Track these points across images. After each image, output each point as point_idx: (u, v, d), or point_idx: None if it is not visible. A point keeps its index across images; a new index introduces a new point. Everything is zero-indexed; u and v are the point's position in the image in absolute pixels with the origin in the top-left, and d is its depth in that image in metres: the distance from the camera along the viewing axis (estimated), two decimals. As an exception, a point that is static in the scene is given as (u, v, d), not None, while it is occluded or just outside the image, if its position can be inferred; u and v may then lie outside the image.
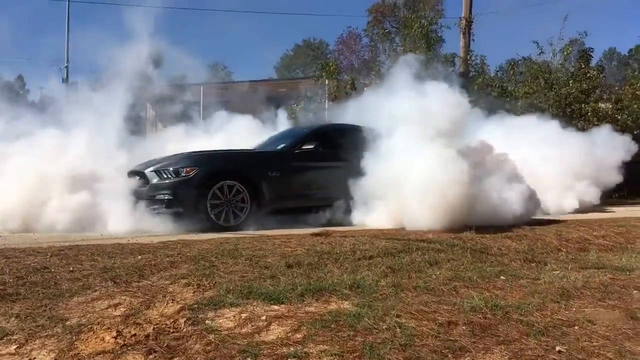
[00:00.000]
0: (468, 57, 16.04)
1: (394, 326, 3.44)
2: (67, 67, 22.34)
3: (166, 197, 7.32)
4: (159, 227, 7.13)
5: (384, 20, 18.75)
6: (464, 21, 16.58)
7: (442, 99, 7.54)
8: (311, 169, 8.21)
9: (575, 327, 3.60)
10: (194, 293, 3.98)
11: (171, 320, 3.46)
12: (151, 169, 7.62)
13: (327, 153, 8.40)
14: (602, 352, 3.22)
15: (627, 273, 5.10)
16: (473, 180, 6.96)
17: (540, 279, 4.77)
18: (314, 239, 5.90)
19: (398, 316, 3.63)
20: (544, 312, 3.86)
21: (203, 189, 7.31)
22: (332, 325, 3.45)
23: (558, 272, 5.07)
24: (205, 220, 7.26)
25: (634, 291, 4.46)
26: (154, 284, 4.13)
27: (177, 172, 7.41)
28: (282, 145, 8.57)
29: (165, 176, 7.45)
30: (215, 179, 7.43)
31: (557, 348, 3.24)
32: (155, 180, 7.50)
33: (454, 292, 4.29)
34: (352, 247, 5.49)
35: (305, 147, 8.31)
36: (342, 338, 3.28)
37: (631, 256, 6.01)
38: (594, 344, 3.35)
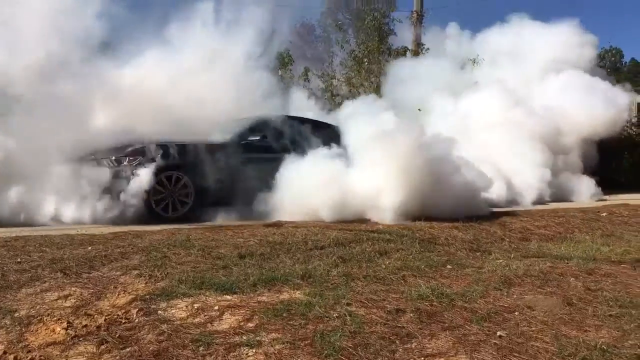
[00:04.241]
0: (419, 50, 16.30)
1: (344, 314, 3.54)
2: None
3: (108, 187, 7.15)
4: (103, 217, 6.97)
5: (337, 12, 18.76)
6: (415, 14, 16.84)
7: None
8: (256, 161, 7.93)
9: (516, 313, 3.79)
10: (145, 284, 3.98)
11: (123, 311, 3.46)
12: (94, 157, 7.42)
13: (273, 145, 8.14)
14: (540, 336, 3.41)
15: (566, 262, 5.37)
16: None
17: (484, 268, 4.97)
18: (266, 230, 5.96)
19: (348, 304, 3.73)
20: (487, 299, 4.04)
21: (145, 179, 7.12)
22: (284, 314, 3.52)
23: (501, 260, 5.29)
24: (146, 210, 7.10)
25: (571, 279, 4.71)
26: (105, 275, 4.11)
27: (119, 162, 7.26)
28: (229, 136, 8.27)
29: (108, 165, 7.28)
30: (157, 169, 7.24)
31: (498, 333, 3.42)
32: (98, 168, 7.31)
33: (402, 281, 4.43)
34: (304, 237, 5.58)
35: (251, 138, 8.12)
36: (293, 326, 3.36)
37: (570, 245, 6.33)
38: (533, 329, 3.53)
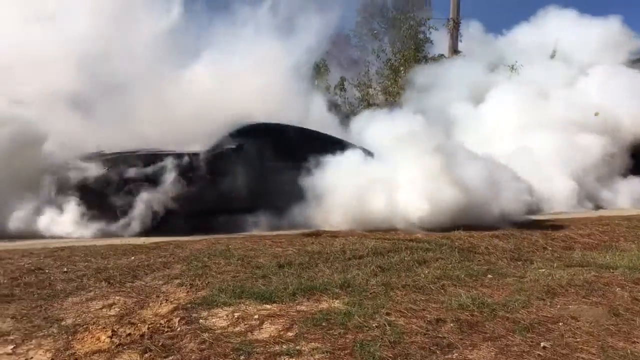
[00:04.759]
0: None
1: (384, 324, 3.52)
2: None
3: (76, 198, 7.00)
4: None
5: (372, 20, 18.78)
6: (451, 22, 16.72)
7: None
8: (231, 173, 7.60)
9: (560, 324, 3.70)
10: (187, 293, 4.05)
11: (165, 319, 3.53)
12: (59, 168, 7.19)
13: (252, 154, 7.78)
14: (585, 347, 3.33)
15: (611, 271, 5.22)
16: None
17: (526, 277, 4.88)
18: (304, 239, 5.98)
19: (388, 314, 3.72)
20: (530, 309, 3.96)
21: (112, 191, 7.02)
22: (324, 324, 3.53)
23: (544, 270, 5.18)
24: (114, 223, 6.93)
25: (617, 288, 4.58)
26: (148, 284, 4.19)
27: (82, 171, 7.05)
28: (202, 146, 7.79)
29: (74, 175, 7.07)
30: (124, 181, 7.08)
31: (542, 344, 3.34)
32: (62, 179, 7.13)
33: (442, 291, 4.38)
34: (342, 247, 5.58)
35: (225, 149, 7.67)
36: (333, 336, 3.36)
37: (615, 254, 6.15)
38: (578, 340, 3.45)
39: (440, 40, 16.67)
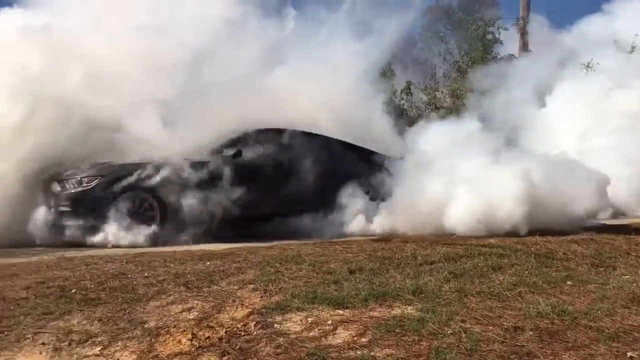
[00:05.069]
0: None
1: (459, 331, 3.46)
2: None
3: (67, 209, 6.96)
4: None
5: (438, 22, 18.55)
6: (522, 21, 16.27)
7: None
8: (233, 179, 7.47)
9: (647, 333, 3.52)
10: (261, 298, 4.13)
11: (242, 323, 3.61)
12: (57, 178, 7.23)
13: (251, 161, 7.71)
14: (676, 358, 3.15)
15: (702, 278, 4.91)
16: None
17: (609, 284, 4.66)
18: (374, 245, 5.98)
19: (463, 321, 3.65)
20: (614, 318, 3.78)
21: (105, 200, 6.96)
22: (397, 330, 3.51)
23: (628, 276, 4.93)
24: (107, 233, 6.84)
25: None
26: (224, 289, 4.31)
27: (79, 182, 7.06)
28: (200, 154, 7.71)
29: (68, 186, 7.09)
30: (119, 190, 7.02)
31: (629, 354, 3.19)
32: (58, 190, 7.14)
33: (519, 298, 4.25)
34: (413, 252, 5.53)
35: (225, 154, 7.61)
36: (407, 342, 3.34)
37: None
38: (668, 350, 3.27)
39: (508, 40, 16.25)
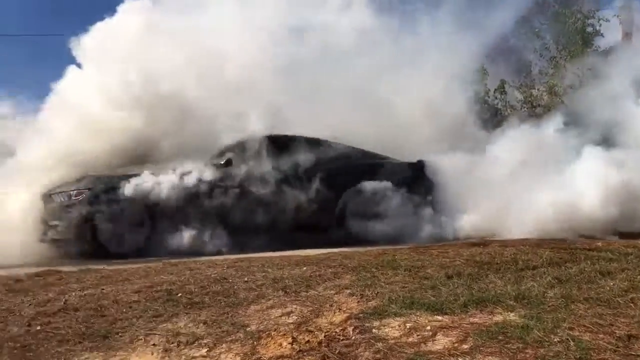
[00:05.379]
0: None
1: (567, 339, 3.30)
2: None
3: (56, 223, 7.03)
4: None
5: (532, 18, 17.81)
6: (626, 10, 15.26)
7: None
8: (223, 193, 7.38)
9: None
10: (358, 303, 4.14)
11: (340, 328, 3.64)
12: (48, 193, 7.32)
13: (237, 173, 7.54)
14: None
15: None
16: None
17: None
18: (472, 250, 5.83)
19: (570, 329, 3.47)
20: None
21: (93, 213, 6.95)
22: (500, 337, 3.40)
23: None
24: (95, 246, 6.89)
25: None
26: (321, 294, 4.37)
27: (69, 196, 7.11)
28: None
29: (58, 200, 7.17)
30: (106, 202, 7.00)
31: None
32: (48, 204, 7.22)
33: (631, 304, 3.98)
34: (514, 257, 5.33)
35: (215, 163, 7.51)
36: (511, 350, 3.22)
37: None
38: None
39: (609, 32, 15.30)
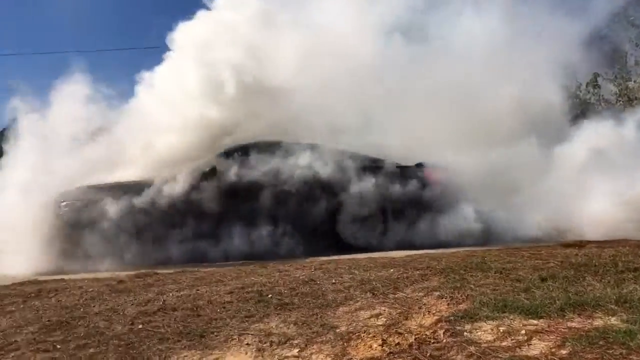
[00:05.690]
0: None
1: (676, 346, 3.10)
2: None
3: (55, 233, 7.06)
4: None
5: (627, 6, 16.79)
6: None
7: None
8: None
9: None
10: (447, 305, 4.08)
11: (430, 331, 3.60)
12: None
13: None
14: None
15: None
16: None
17: None
18: (566, 251, 5.59)
19: (679, 334, 3.25)
20: None
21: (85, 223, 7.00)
22: (601, 342, 3.24)
23: None
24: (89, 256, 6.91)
25: None
26: (409, 296, 4.34)
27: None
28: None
29: (60, 210, 7.24)
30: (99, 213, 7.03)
31: None
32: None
33: None
34: (613, 258, 5.06)
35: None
36: (613, 356, 3.06)
37: None
38: None
39: None
